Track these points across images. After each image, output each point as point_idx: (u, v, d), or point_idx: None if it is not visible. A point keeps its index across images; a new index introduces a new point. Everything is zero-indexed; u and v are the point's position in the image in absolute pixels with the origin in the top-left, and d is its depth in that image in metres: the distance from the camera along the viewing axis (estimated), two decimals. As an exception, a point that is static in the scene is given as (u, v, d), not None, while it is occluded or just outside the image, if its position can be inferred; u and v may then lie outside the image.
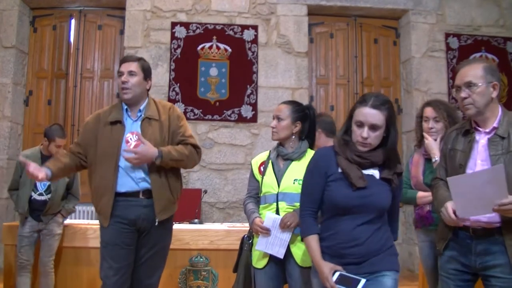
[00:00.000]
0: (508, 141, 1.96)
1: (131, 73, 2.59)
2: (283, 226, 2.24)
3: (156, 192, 2.52)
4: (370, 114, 1.83)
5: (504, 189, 1.89)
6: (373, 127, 1.83)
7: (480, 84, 2.00)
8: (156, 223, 2.53)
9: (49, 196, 3.70)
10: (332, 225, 1.88)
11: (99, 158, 2.55)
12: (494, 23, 6.19)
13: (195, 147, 2.67)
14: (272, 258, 2.31)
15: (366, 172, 1.87)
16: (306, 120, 2.45)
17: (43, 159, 3.68)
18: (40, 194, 3.71)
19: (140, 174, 2.52)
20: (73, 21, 6.02)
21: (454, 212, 1.97)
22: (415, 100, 5.88)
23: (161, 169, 2.55)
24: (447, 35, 6.09)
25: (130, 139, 2.55)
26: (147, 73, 2.66)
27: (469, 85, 2.01)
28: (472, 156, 2.02)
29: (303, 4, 5.99)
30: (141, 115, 2.62)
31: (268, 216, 2.30)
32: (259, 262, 2.35)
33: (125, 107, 2.64)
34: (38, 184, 3.70)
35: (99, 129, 2.60)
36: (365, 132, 1.83)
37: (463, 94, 2.02)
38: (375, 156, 1.88)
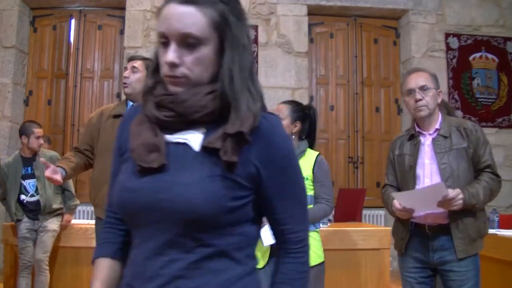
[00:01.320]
0: (450, 140, 2.17)
1: (134, 69, 2.64)
2: None
3: None
4: (177, 15, 0.90)
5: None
6: (186, 41, 0.90)
7: (432, 88, 2.20)
8: None
9: (39, 195, 3.70)
10: (132, 247, 0.98)
11: (100, 151, 2.58)
12: (494, 23, 6.19)
13: None
14: (272, 258, 2.31)
15: (174, 138, 0.93)
16: (306, 120, 2.45)
17: (24, 161, 3.69)
18: (32, 196, 3.71)
19: None
20: (73, 21, 6.01)
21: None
22: (415, 100, 5.87)
23: None
24: (447, 35, 6.08)
25: None
26: None
27: (423, 88, 2.19)
28: (420, 156, 2.21)
29: (303, 4, 5.98)
30: None
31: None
32: (259, 262, 2.35)
33: (131, 103, 2.67)
34: (27, 186, 3.70)
35: (101, 123, 2.63)
36: (170, 51, 0.90)
37: (418, 96, 2.18)
38: (188, 102, 0.90)
